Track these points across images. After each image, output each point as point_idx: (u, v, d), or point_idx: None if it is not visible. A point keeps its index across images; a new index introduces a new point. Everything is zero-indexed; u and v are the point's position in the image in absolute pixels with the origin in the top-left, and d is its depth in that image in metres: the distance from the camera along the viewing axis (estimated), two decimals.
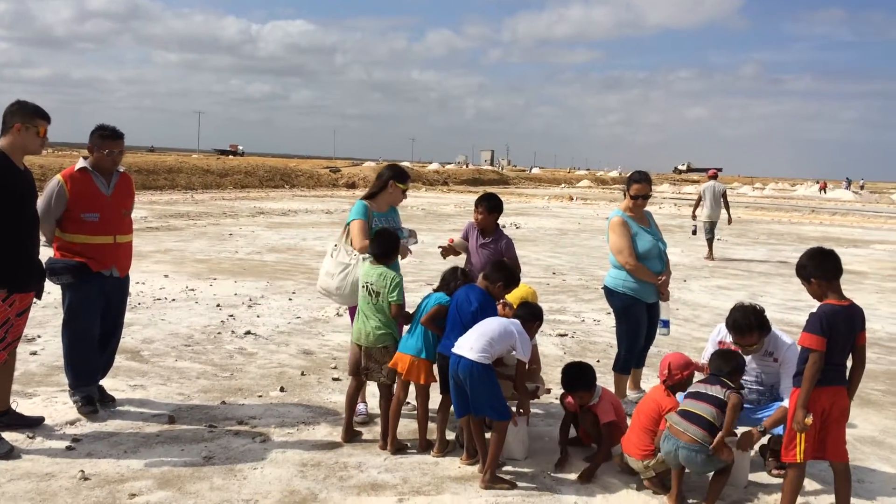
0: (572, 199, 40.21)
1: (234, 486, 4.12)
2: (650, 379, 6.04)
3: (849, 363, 3.85)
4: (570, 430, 4.82)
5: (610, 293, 5.73)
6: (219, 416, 5.20)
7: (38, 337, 6.97)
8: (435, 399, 4.81)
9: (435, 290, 4.87)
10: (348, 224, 5.23)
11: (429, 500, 4.05)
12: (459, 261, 5.75)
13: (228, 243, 15.15)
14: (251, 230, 17.81)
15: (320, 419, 5.22)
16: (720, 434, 3.99)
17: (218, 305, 8.89)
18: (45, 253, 4.74)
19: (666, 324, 5.85)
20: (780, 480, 4.26)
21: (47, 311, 7.69)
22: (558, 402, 5.02)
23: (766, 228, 24.90)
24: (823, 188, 65.91)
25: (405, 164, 51.96)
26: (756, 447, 4.62)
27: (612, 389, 5.49)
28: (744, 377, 4.49)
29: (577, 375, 4.67)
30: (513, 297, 4.99)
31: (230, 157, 71.05)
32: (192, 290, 9.82)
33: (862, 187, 75.76)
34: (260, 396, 5.68)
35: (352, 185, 42.75)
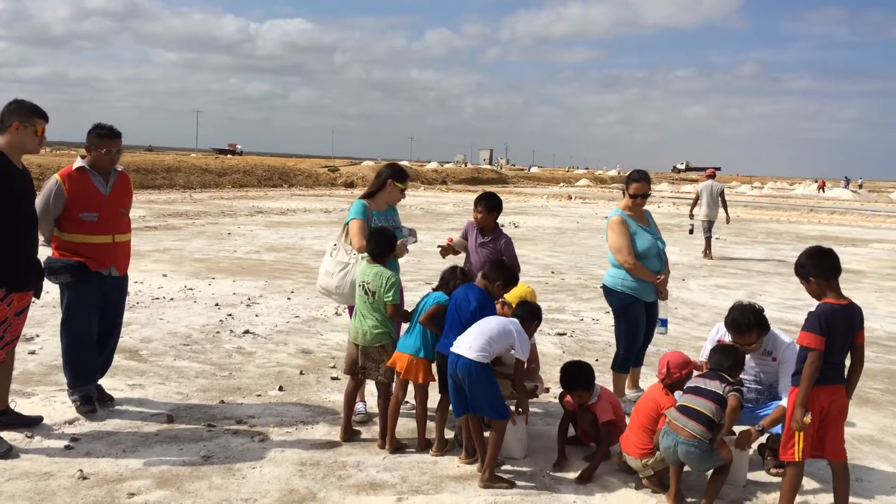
0: (571, 198, 40.22)
1: (232, 485, 4.12)
2: (649, 378, 6.04)
3: (847, 362, 3.86)
4: (569, 429, 4.83)
5: (609, 292, 5.74)
6: (217, 415, 5.20)
7: (37, 336, 6.96)
8: (434, 398, 4.81)
9: (434, 290, 4.87)
10: (347, 223, 5.24)
11: (427, 499, 4.06)
12: (459, 260, 5.75)
13: (227, 242, 15.15)
14: (250, 229, 17.80)
15: (319, 418, 5.22)
16: (720, 436, 4.00)
17: (216, 305, 8.89)
18: (44, 252, 4.74)
19: (664, 323, 5.86)
20: (778, 479, 4.26)
21: (46, 310, 7.69)
22: (557, 401, 5.02)
23: (765, 227, 24.92)
24: (822, 187, 65.97)
25: (404, 163, 51.91)
26: (754, 446, 4.63)
27: (611, 388, 5.49)
28: (742, 376, 4.50)
29: (576, 374, 4.67)
30: (511, 296, 4.99)
31: (229, 156, 70.98)
32: (191, 289, 9.82)
33: (860, 186, 75.82)
34: (258, 396, 5.68)
35: (350, 185, 42.72)
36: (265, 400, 5.58)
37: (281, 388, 5.83)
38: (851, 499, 3.99)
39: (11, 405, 4.86)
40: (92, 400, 5.06)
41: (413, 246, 5.45)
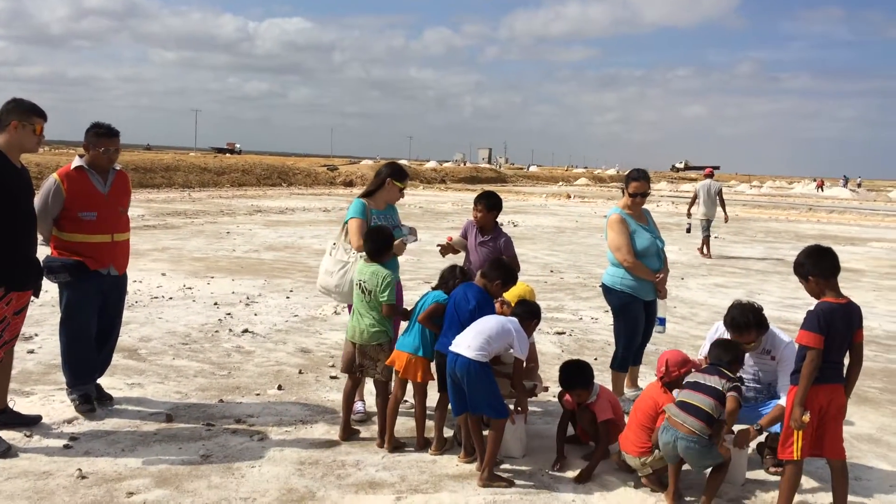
0: (570, 196, 40.22)
1: (231, 484, 4.11)
2: (647, 377, 6.04)
3: (846, 361, 3.86)
4: (568, 427, 4.83)
5: (608, 291, 5.74)
6: (216, 414, 5.20)
7: (36, 335, 6.95)
8: (433, 397, 4.81)
9: (433, 289, 4.87)
10: (346, 222, 5.24)
11: (426, 498, 4.05)
12: (458, 259, 5.76)
13: (226, 241, 15.14)
14: (248, 228, 17.79)
15: (318, 417, 5.22)
16: (721, 434, 4.01)
17: (215, 304, 8.88)
18: (43, 251, 4.73)
19: (662, 321, 5.87)
20: (777, 478, 4.27)
21: (44, 309, 7.68)
22: (556, 400, 5.02)
23: (764, 226, 24.93)
24: (821, 186, 66.04)
25: (403, 162, 51.90)
26: (753, 445, 4.63)
27: (610, 387, 5.50)
28: (741, 375, 4.49)
29: (575, 373, 4.67)
30: (510, 295, 5.00)
31: (227, 155, 70.95)
32: (190, 288, 9.81)
33: (859, 185, 75.87)
34: (258, 395, 5.67)
35: (349, 184, 42.71)
36: (264, 399, 5.58)
37: (280, 388, 5.83)
38: (850, 497, 3.99)
39: (10, 404, 4.85)
40: (91, 399, 5.06)
41: (412, 245, 5.45)
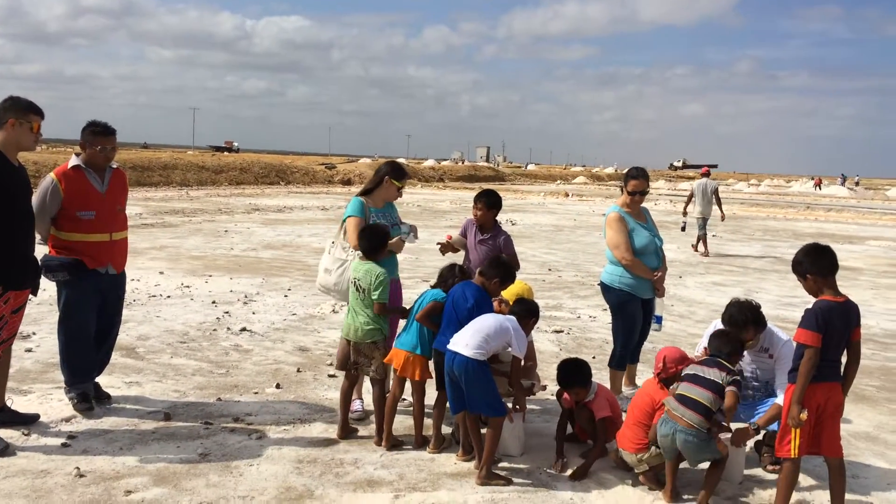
0: (568, 195, 40.22)
1: (230, 482, 4.11)
2: (645, 375, 6.04)
3: (844, 359, 3.87)
4: (567, 426, 4.83)
5: (606, 289, 5.74)
6: (214, 412, 5.20)
7: (34, 334, 6.95)
8: (431, 395, 4.81)
9: (432, 287, 4.87)
10: (345, 220, 5.24)
11: (425, 496, 4.06)
12: (458, 257, 5.75)
13: (224, 240, 15.13)
14: (246, 227, 17.78)
15: (316, 416, 5.22)
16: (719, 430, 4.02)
17: (213, 302, 8.88)
18: (41, 250, 4.73)
19: (659, 320, 5.87)
20: (775, 476, 4.27)
21: (42, 307, 7.67)
22: (554, 398, 5.03)
23: (762, 225, 24.95)
24: (819, 184, 66.12)
25: (401, 160, 51.83)
26: (751, 443, 4.63)
27: (608, 385, 5.50)
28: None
29: (573, 372, 4.68)
30: (509, 293, 5.00)
31: (225, 153, 70.88)
32: (188, 286, 9.81)
33: (857, 183, 75.97)
34: (256, 393, 5.67)
35: (347, 182, 42.68)
36: (262, 397, 5.58)
37: (278, 386, 5.83)
38: (847, 495, 4.00)
39: (8, 403, 4.85)
40: (89, 398, 5.06)
41: (411, 243, 5.45)
